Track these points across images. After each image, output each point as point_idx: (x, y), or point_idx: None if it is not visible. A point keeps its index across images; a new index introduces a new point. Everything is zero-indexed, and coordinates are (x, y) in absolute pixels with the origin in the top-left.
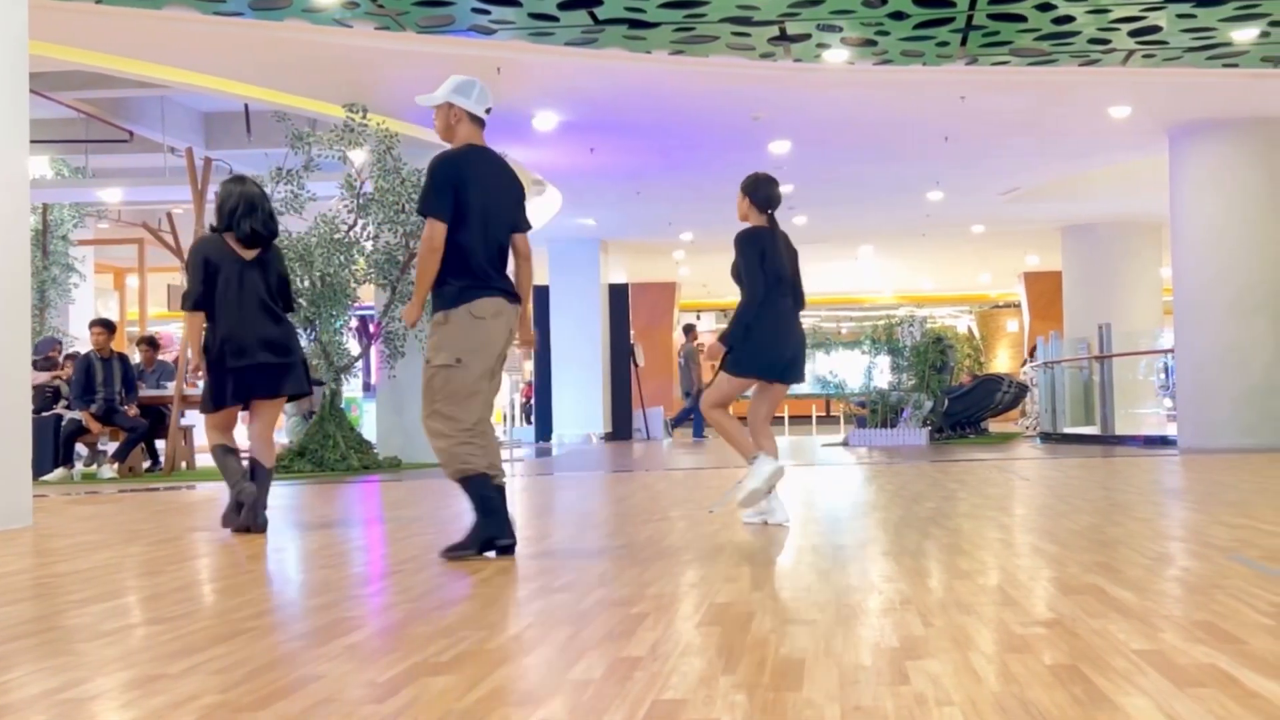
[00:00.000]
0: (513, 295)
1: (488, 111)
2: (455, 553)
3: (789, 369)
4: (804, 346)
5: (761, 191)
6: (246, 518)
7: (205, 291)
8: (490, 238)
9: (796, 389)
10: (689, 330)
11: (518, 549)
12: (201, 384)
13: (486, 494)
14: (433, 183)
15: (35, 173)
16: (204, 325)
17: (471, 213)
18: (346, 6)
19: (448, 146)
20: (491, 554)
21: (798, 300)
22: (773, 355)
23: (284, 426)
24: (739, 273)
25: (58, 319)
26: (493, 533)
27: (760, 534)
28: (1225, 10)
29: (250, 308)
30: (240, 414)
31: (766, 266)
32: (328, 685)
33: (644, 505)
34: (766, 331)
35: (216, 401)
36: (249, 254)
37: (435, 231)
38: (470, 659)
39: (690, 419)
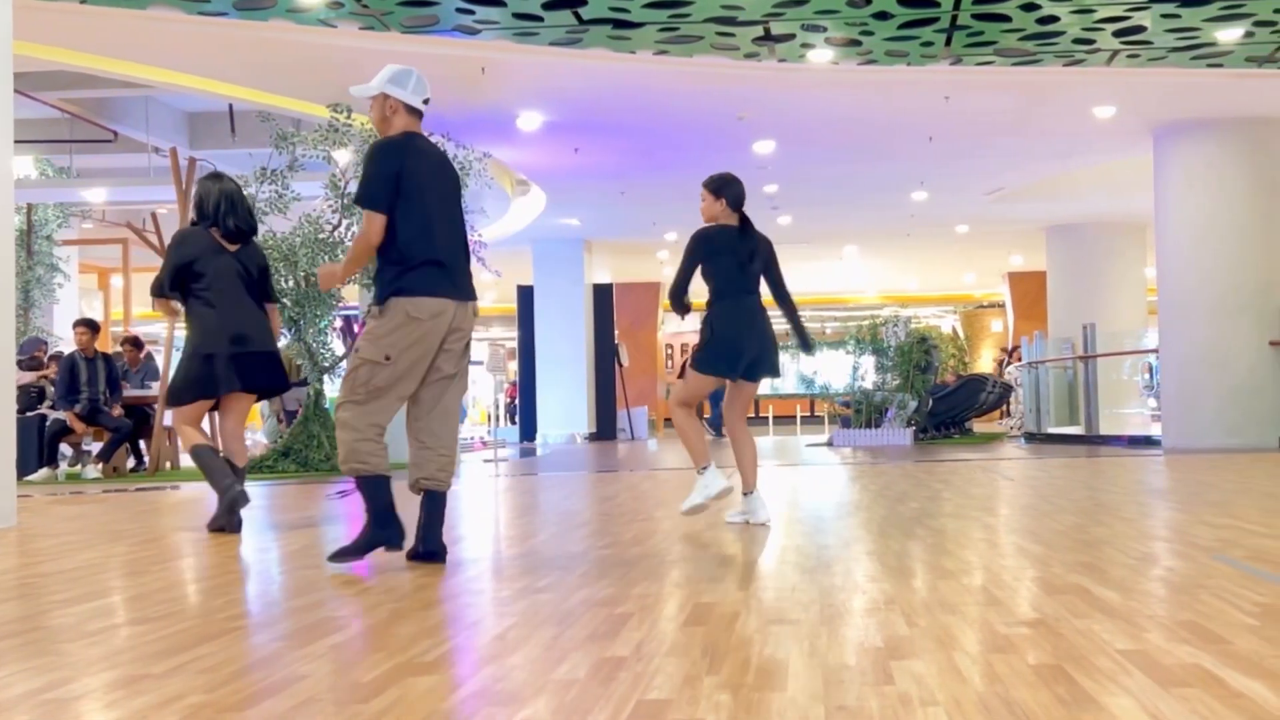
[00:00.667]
0: (462, 292)
1: (425, 102)
2: (341, 557)
3: (752, 367)
4: (770, 343)
5: (729, 190)
6: (222, 519)
7: (174, 283)
8: (436, 230)
9: (780, 388)
10: None
11: (502, 550)
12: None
13: (382, 499)
14: (372, 171)
15: (19, 173)
16: (177, 311)
17: (413, 203)
18: (331, 6)
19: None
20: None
21: (781, 298)
22: (734, 353)
23: (262, 428)
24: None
25: (42, 319)
26: (381, 541)
27: (743, 534)
28: (1210, 10)
29: (234, 300)
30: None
31: (719, 265)
32: (312, 685)
33: (628, 505)
34: (729, 329)
35: (189, 393)
36: (232, 247)
37: (373, 225)
38: (454, 659)
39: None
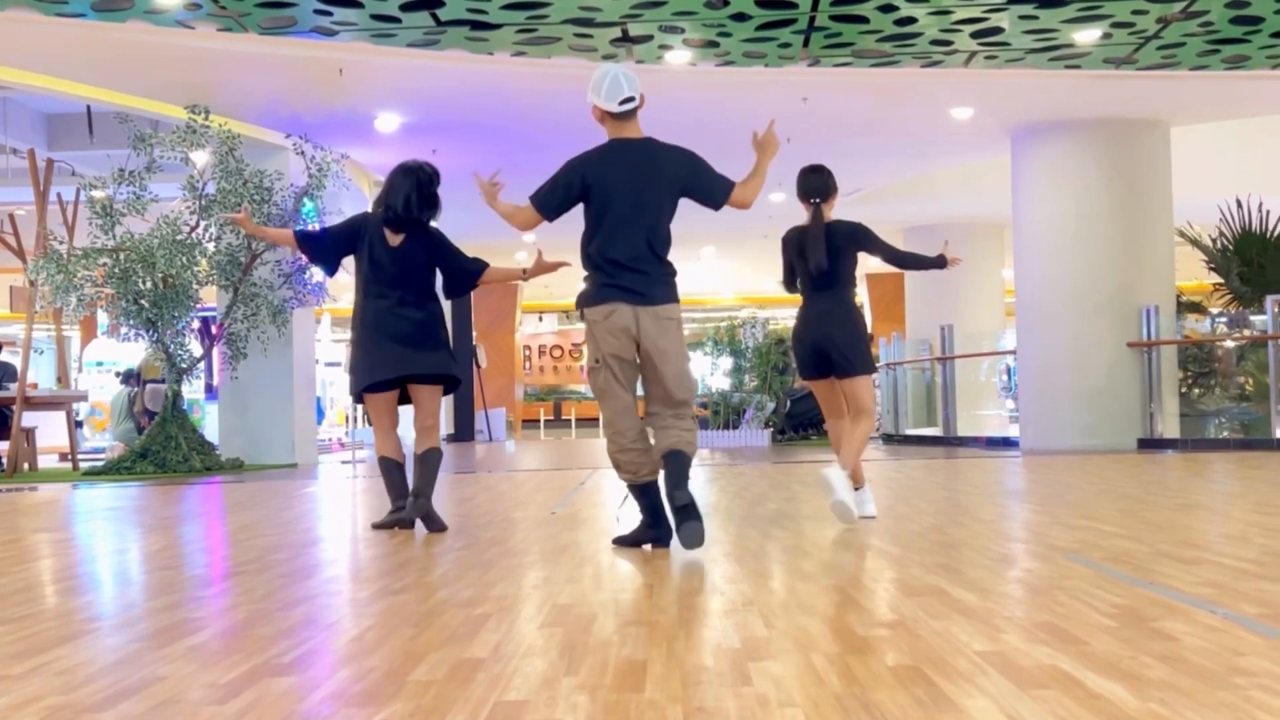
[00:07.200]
0: (636, 295)
1: (626, 101)
2: (620, 543)
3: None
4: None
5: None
6: (411, 512)
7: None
8: (618, 235)
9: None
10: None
11: (360, 551)
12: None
13: (652, 503)
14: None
15: None
16: None
17: (598, 210)
18: (188, 8)
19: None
20: (648, 546)
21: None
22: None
23: (110, 429)
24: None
25: None
26: (653, 536)
27: (602, 536)
28: (1067, 11)
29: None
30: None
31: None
32: (170, 686)
33: (486, 506)
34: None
35: (360, 383)
36: (395, 238)
37: (524, 216)
38: (312, 660)
39: None
